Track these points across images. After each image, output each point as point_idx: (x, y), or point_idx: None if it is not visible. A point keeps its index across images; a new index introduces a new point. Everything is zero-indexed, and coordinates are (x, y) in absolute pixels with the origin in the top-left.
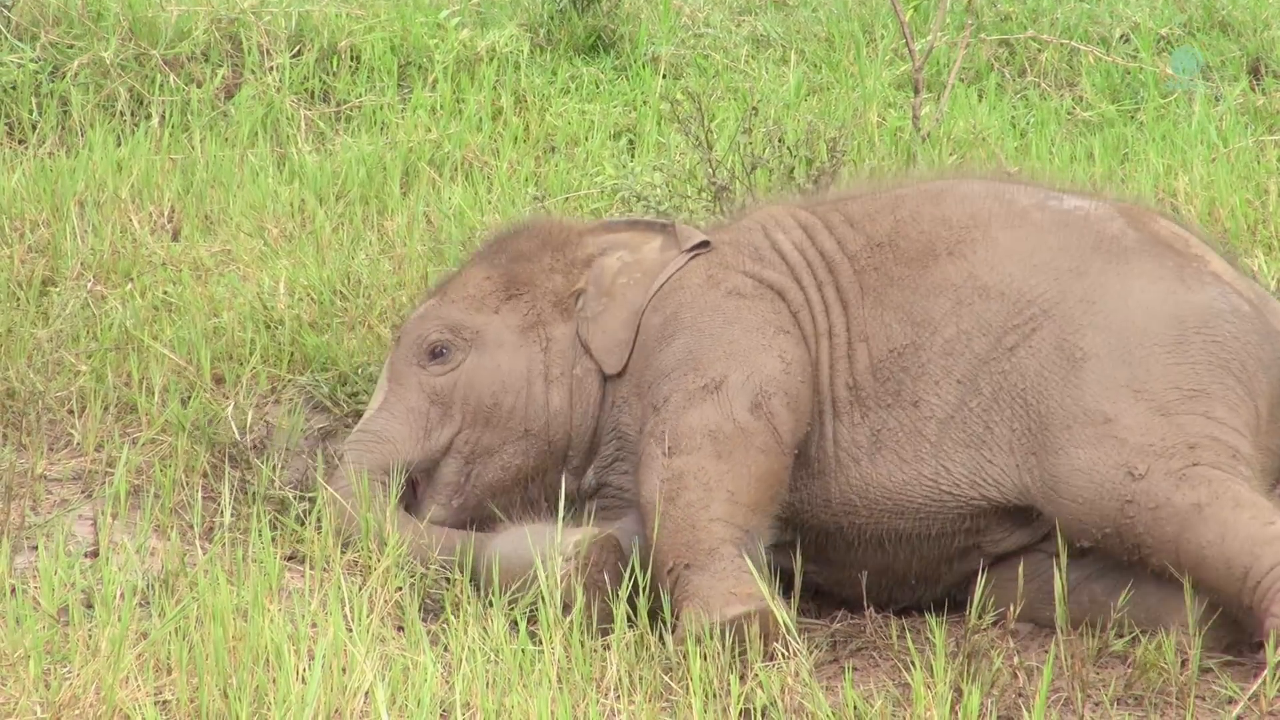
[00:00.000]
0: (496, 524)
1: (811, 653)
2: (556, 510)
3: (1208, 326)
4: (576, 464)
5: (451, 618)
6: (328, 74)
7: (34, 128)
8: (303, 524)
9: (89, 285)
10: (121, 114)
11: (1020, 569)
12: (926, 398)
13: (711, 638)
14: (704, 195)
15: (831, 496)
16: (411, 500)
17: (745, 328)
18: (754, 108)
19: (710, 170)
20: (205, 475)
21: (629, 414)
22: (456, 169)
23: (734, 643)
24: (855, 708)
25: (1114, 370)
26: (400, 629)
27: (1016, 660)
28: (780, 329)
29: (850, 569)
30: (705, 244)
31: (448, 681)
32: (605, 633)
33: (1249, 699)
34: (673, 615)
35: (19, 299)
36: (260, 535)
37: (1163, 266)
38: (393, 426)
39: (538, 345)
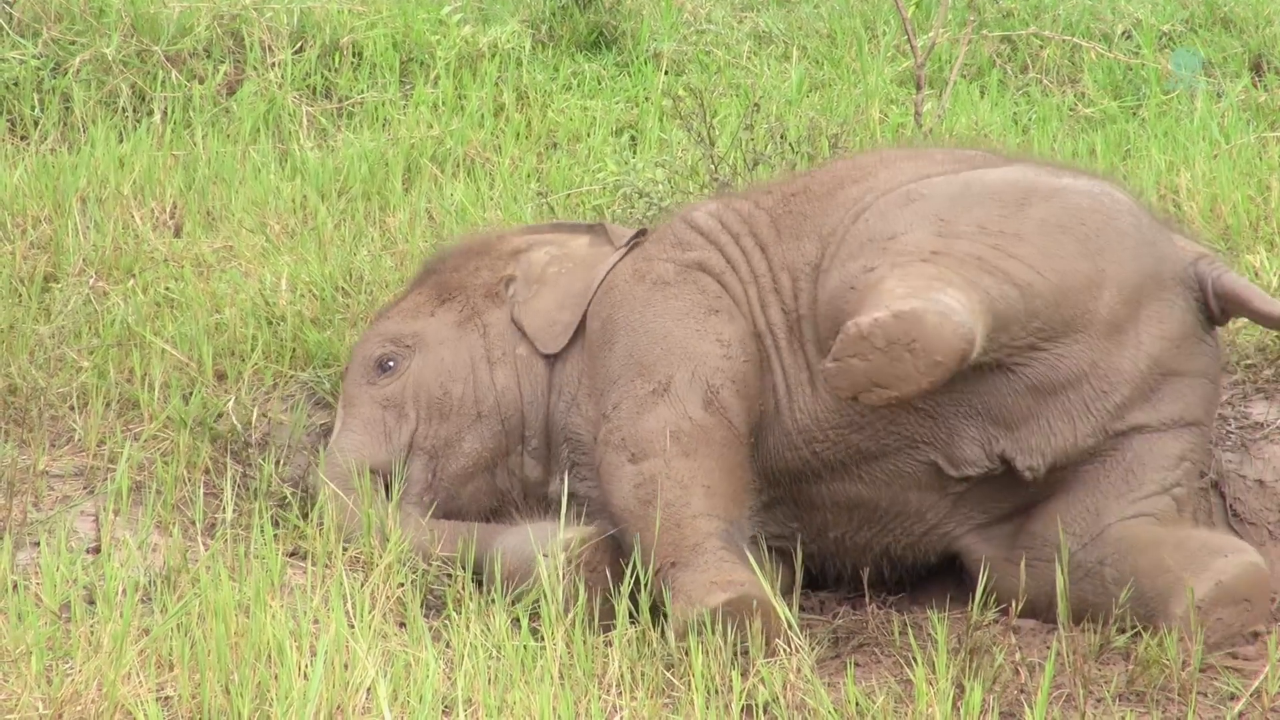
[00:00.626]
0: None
1: (813, 649)
2: (522, 500)
3: (1057, 196)
4: (535, 445)
5: (453, 614)
6: (329, 70)
7: (36, 124)
8: (305, 520)
9: (91, 281)
10: (123, 110)
11: (1022, 564)
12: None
13: (699, 631)
14: (706, 191)
15: (790, 429)
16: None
17: (676, 317)
18: (756, 104)
19: (713, 166)
20: (207, 471)
21: (580, 416)
22: (459, 165)
23: (727, 631)
24: (857, 704)
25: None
26: (402, 625)
27: (1018, 656)
28: (710, 309)
29: (832, 514)
30: (641, 233)
31: (449, 678)
32: (607, 629)
33: (1251, 695)
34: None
35: (21, 295)
36: (262, 532)
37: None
38: (354, 439)
39: (476, 333)
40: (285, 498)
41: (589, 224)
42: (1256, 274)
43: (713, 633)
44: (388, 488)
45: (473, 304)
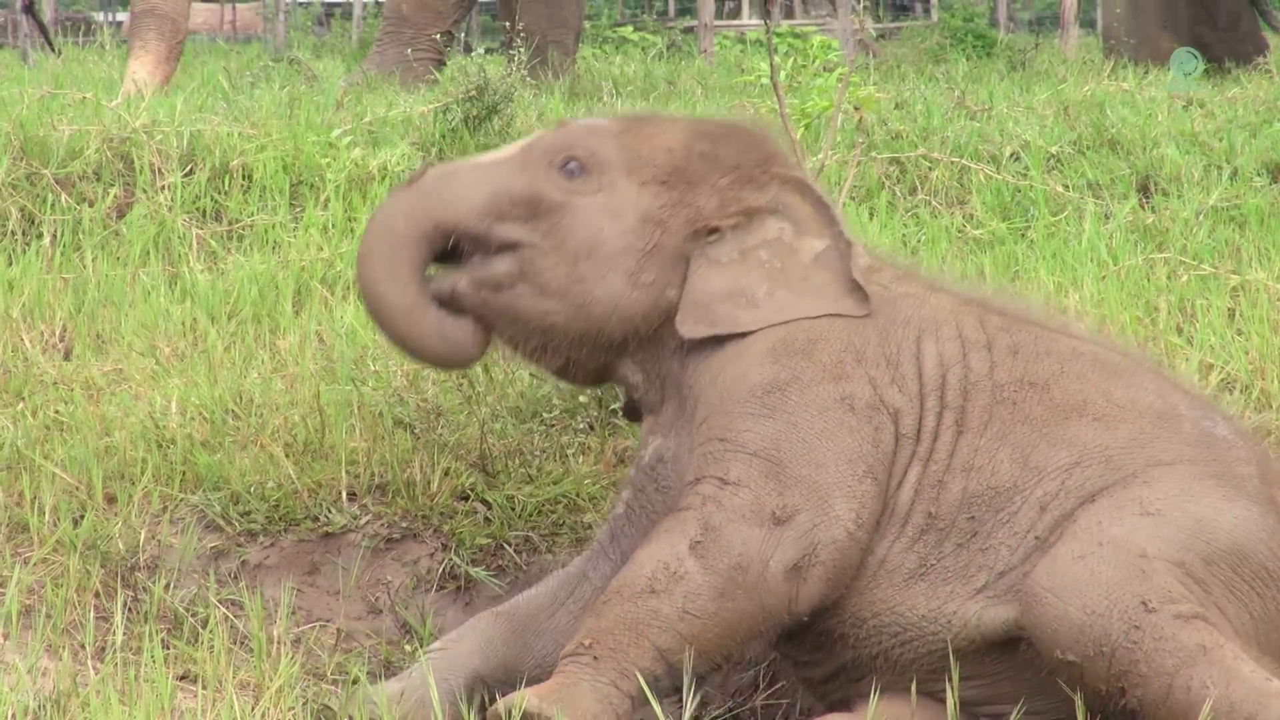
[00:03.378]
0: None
1: None
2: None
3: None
4: (639, 356)
5: None
6: (219, 193)
7: None
8: (194, 643)
9: None
10: (13, 233)
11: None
12: (998, 547)
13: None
14: None
15: (847, 607)
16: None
17: (839, 453)
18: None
19: None
20: (97, 595)
21: (682, 437)
22: (349, 288)
23: None
24: None
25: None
26: None
27: None
28: (869, 472)
29: (822, 655)
30: (863, 298)
31: None
32: None
33: None
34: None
35: None
36: (152, 655)
37: (1262, 516)
38: (479, 193)
39: (643, 241)
40: (176, 621)
41: (840, 231)
42: None
43: None
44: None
45: (672, 214)
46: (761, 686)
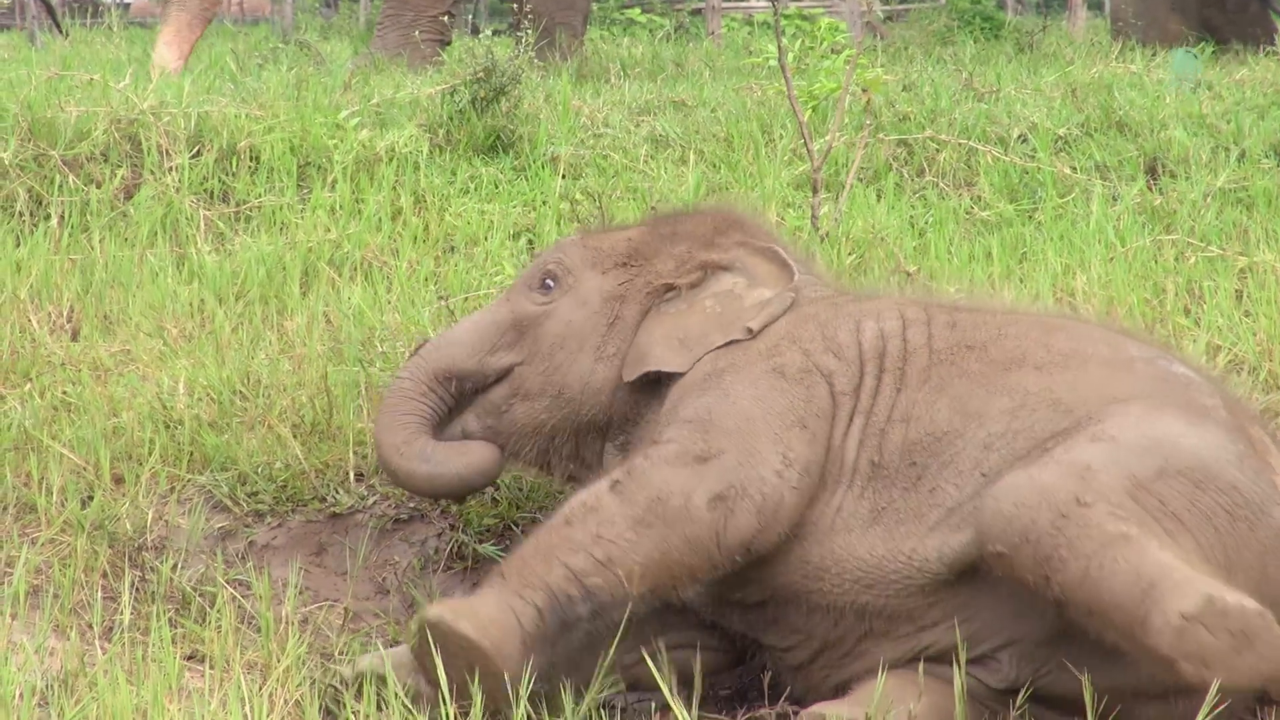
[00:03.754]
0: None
1: None
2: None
3: (1200, 468)
4: (620, 441)
5: (350, 717)
6: (227, 174)
7: None
8: (202, 623)
9: None
10: (20, 214)
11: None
12: (945, 486)
13: (423, 636)
14: None
15: (810, 559)
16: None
17: (767, 410)
18: (653, 207)
19: None
20: (105, 575)
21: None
22: (356, 269)
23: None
24: None
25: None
26: None
27: None
28: (799, 422)
29: (800, 636)
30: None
31: None
32: None
33: None
34: None
35: None
36: (159, 635)
37: (1230, 441)
38: (467, 336)
39: (606, 318)
40: (183, 601)
41: (791, 279)
42: None
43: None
44: (458, 397)
45: (632, 286)
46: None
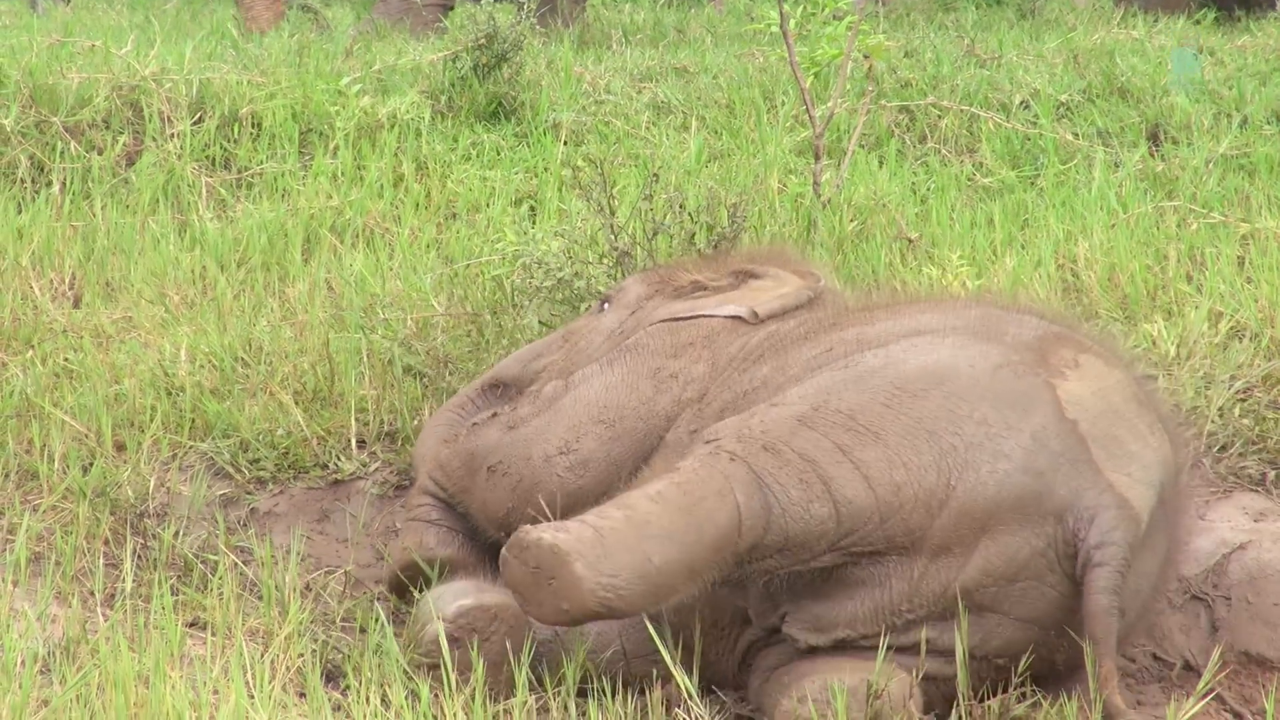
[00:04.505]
0: None
1: None
2: None
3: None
4: None
5: (353, 684)
6: (229, 141)
7: None
8: (204, 590)
9: None
10: (22, 181)
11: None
12: None
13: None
14: (605, 261)
15: None
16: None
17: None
18: (655, 174)
19: (612, 236)
20: (107, 542)
21: None
22: (358, 236)
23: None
24: None
25: None
26: (302, 695)
27: None
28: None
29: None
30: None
31: None
32: (507, 698)
33: None
34: None
35: None
36: (161, 602)
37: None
38: (532, 350)
39: (632, 310)
40: (185, 568)
41: (820, 283)
42: (1155, 343)
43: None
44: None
45: (664, 287)
46: None
